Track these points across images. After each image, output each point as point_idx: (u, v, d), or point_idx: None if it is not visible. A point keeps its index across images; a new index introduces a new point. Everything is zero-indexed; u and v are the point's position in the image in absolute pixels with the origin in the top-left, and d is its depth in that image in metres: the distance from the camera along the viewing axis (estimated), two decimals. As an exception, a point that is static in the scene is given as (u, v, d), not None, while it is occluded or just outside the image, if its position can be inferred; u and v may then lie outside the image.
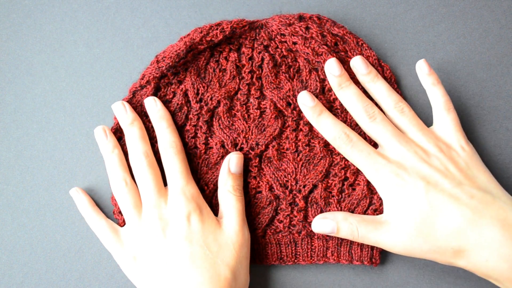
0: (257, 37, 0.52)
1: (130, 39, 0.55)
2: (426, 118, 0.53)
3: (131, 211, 0.48)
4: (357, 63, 0.50)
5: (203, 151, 0.51)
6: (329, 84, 0.51)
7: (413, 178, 0.46)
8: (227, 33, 0.51)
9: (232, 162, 0.49)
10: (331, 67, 0.50)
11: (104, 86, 0.54)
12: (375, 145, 0.51)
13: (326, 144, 0.51)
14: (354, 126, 0.51)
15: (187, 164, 0.50)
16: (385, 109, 0.50)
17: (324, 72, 0.51)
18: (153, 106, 0.50)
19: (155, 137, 0.51)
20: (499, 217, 0.43)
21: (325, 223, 0.48)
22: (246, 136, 0.51)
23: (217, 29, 0.51)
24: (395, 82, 0.52)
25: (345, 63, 0.51)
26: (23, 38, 0.55)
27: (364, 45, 0.52)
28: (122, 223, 0.50)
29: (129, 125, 0.50)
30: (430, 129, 0.50)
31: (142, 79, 0.51)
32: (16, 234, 0.52)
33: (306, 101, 0.50)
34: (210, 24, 0.51)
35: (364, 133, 0.51)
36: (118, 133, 0.51)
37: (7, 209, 0.53)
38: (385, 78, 0.51)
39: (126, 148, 0.51)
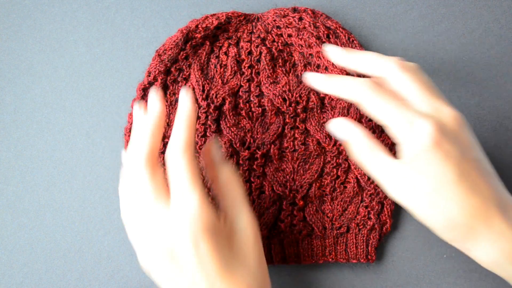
0: (254, 30, 0.53)
1: (130, 39, 0.55)
2: (426, 118, 0.53)
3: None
4: (330, 49, 0.47)
5: None
6: None
7: (451, 140, 0.40)
8: (222, 20, 0.51)
9: (214, 149, 0.44)
10: (332, 50, 0.46)
11: (104, 86, 0.54)
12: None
13: (319, 142, 0.51)
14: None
15: (196, 166, 0.41)
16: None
17: (316, 66, 0.52)
18: (185, 101, 0.43)
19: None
20: (506, 200, 0.41)
21: (342, 129, 0.44)
22: (253, 135, 0.51)
23: (212, 17, 0.51)
24: None
25: None
26: (23, 38, 0.55)
27: (355, 41, 0.52)
28: None
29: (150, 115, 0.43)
30: None
31: (149, 76, 0.51)
32: (16, 234, 0.52)
33: (317, 78, 0.46)
34: (206, 14, 0.52)
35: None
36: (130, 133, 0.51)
37: (7, 209, 0.53)
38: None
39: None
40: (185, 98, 0.43)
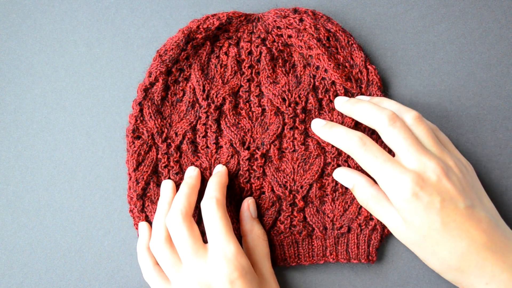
0: (254, 30, 0.53)
1: (130, 39, 0.55)
2: (426, 118, 0.53)
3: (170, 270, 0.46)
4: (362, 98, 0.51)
5: (214, 151, 0.51)
6: (319, 81, 0.51)
7: (430, 191, 0.43)
8: (223, 20, 0.51)
9: (251, 207, 0.49)
10: (340, 101, 0.50)
11: (104, 86, 0.54)
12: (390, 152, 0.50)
13: (319, 143, 0.51)
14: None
15: (229, 220, 0.46)
16: (404, 118, 0.48)
17: (315, 68, 0.51)
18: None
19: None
20: (501, 244, 0.43)
21: (347, 178, 0.49)
22: (253, 135, 0.51)
23: (213, 17, 0.51)
24: (376, 85, 0.51)
25: (335, 59, 0.51)
26: (23, 38, 0.55)
27: (354, 45, 0.52)
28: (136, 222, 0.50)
29: (188, 177, 0.50)
30: None
31: (150, 76, 0.51)
32: (16, 234, 0.52)
33: (318, 124, 0.50)
34: (207, 15, 0.52)
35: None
36: (136, 133, 0.51)
37: (7, 209, 0.53)
38: (368, 80, 0.51)
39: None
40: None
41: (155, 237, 0.47)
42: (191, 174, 0.50)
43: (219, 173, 0.49)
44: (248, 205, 0.50)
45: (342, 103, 0.50)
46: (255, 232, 0.49)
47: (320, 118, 0.52)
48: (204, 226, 0.46)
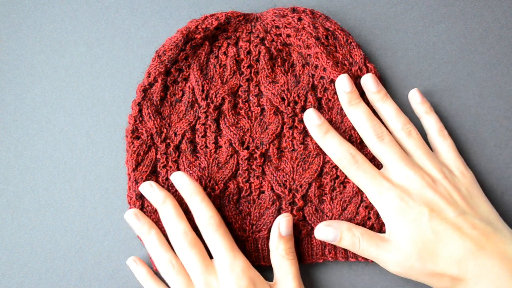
0: (253, 30, 0.53)
1: (130, 39, 0.55)
2: (426, 118, 0.53)
3: None
4: (368, 81, 0.50)
5: (213, 150, 0.51)
6: (318, 80, 0.52)
7: (417, 204, 0.45)
8: (222, 20, 0.51)
9: (282, 225, 0.49)
10: (342, 83, 0.50)
11: (104, 86, 0.54)
12: (378, 165, 0.50)
13: None
14: (341, 127, 0.51)
15: (230, 236, 0.48)
16: (392, 129, 0.50)
17: (314, 67, 0.51)
18: (183, 181, 0.49)
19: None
20: (499, 249, 0.44)
21: (329, 231, 0.48)
22: (252, 135, 0.51)
23: (212, 17, 0.51)
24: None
25: (334, 58, 0.51)
26: (23, 38, 0.55)
27: (353, 43, 0.52)
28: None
29: (161, 204, 0.49)
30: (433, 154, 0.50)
31: (149, 77, 0.51)
32: (16, 234, 0.52)
33: (312, 119, 0.49)
34: (206, 15, 0.52)
35: (366, 150, 0.51)
36: (135, 133, 0.51)
37: (7, 209, 0.53)
38: None
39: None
40: (186, 179, 0.49)
41: (165, 266, 0.48)
42: (167, 197, 0.49)
43: (197, 192, 0.48)
44: (279, 223, 0.49)
45: (347, 104, 0.50)
46: (279, 252, 0.48)
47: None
48: (208, 246, 0.47)
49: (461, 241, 0.44)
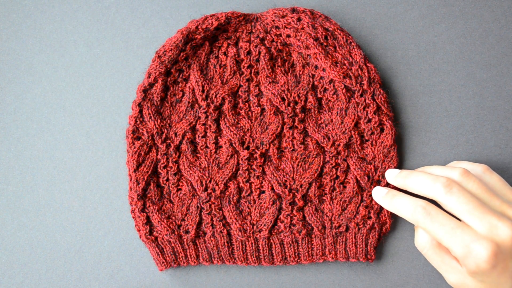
0: (253, 30, 0.53)
1: (130, 39, 0.55)
2: (426, 118, 0.53)
3: None
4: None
5: (213, 151, 0.51)
6: (318, 80, 0.52)
7: (504, 257, 0.42)
8: (222, 21, 0.51)
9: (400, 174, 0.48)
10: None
11: (104, 86, 0.54)
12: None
13: (318, 142, 0.51)
14: (348, 132, 0.51)
15: None
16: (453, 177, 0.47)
17: (314, 67, 0.51)
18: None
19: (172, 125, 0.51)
20: None
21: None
22: (252, 135, 0.51)
23: (212, 18, 0.51)
24: (377, 82, 0.51)
25: (333, 58, 0.51)
26: (23, 38, 0.55)
27: (352, 43, 0.52)
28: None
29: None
30: None
31: (149, 77, 0.51)
32: (16, 234, 0.52)
33: (379, 193, 0.49)
34: (206, 15, 0.52)
35: (367, 151, 0.51)
36: (136, 133, 0.51)
37: (7, 209, 0.53)
38: (370, 77, 0.51)
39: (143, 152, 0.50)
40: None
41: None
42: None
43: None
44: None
45: (394, 177, 0.49)
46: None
47: (319, 117, 0.51)
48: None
49: None
